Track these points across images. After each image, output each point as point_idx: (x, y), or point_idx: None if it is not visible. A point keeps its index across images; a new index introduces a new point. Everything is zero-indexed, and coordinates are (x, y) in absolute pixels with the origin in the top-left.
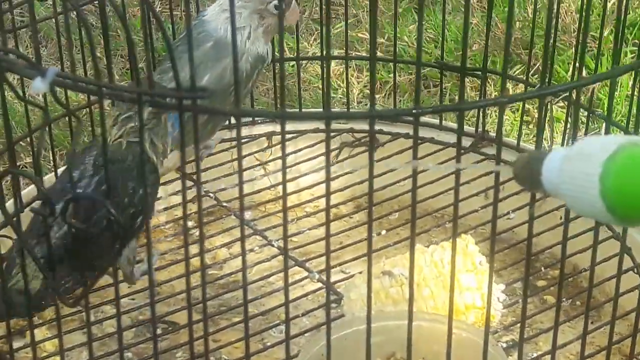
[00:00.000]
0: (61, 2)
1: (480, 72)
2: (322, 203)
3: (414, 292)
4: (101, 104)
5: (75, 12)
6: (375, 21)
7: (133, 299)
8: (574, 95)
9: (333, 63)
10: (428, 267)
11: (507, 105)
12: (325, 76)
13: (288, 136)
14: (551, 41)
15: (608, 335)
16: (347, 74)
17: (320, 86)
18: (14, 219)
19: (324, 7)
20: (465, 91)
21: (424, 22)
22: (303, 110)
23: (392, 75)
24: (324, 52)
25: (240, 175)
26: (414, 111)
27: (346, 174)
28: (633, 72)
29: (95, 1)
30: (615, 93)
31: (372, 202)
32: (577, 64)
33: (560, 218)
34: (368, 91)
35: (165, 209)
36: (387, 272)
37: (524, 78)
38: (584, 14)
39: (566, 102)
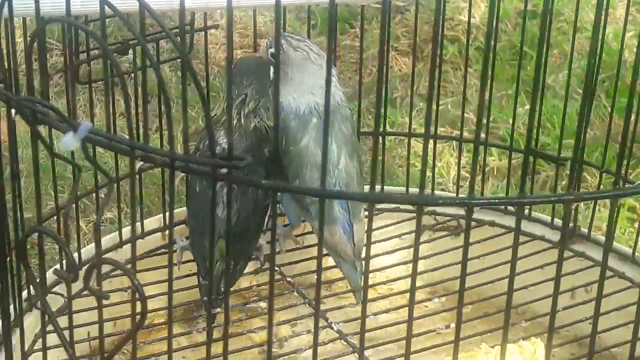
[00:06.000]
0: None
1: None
2: (396, 287)
3: None
4: (132, 165)
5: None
6: (483, 102)
7: None
8: None
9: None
10: None
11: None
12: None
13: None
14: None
15: None
16: (434, 154)
17: (417, 164)
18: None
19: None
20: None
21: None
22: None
23: (494, 159)
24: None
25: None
26: (517, 200)
27: (425, 257)
28: None
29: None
30: None
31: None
32: None
33: None
34: (466, 173)
35: None
36: None
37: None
38: None
39: None
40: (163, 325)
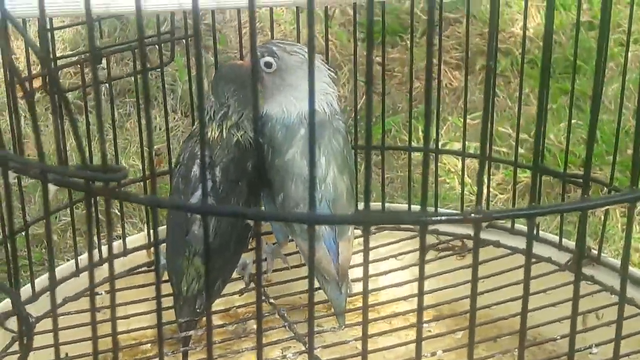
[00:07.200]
0: None
1: (581, 180)
2: (386, 310)
3: None
4: (5, 176)
5: None
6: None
7: None
8: None
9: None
10: None
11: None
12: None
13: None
14: None
15: None
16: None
17: (447, 181)
18: None
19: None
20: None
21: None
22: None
23: (527, 175)
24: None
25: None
26: (472, 215)
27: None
28: None
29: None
30: None
31: None
32: None
33: None
34: (498, 192)
35: None
36: None
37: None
38: None
39: None
40: (149, 346)
